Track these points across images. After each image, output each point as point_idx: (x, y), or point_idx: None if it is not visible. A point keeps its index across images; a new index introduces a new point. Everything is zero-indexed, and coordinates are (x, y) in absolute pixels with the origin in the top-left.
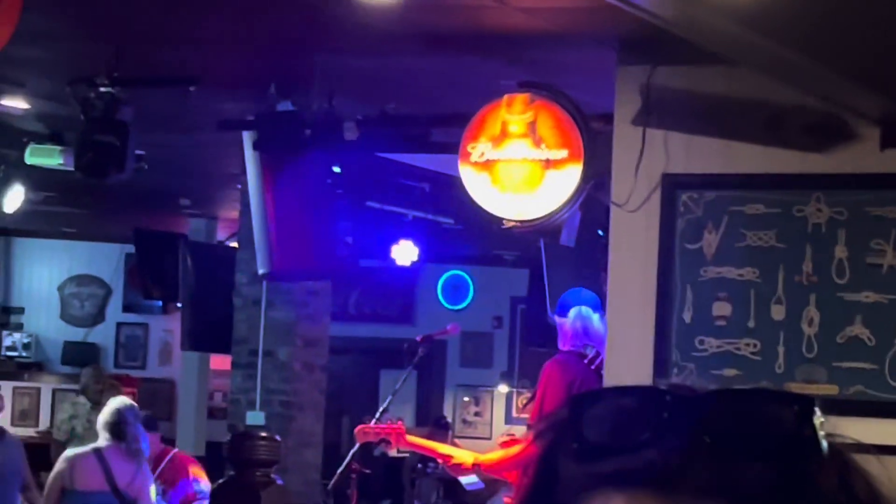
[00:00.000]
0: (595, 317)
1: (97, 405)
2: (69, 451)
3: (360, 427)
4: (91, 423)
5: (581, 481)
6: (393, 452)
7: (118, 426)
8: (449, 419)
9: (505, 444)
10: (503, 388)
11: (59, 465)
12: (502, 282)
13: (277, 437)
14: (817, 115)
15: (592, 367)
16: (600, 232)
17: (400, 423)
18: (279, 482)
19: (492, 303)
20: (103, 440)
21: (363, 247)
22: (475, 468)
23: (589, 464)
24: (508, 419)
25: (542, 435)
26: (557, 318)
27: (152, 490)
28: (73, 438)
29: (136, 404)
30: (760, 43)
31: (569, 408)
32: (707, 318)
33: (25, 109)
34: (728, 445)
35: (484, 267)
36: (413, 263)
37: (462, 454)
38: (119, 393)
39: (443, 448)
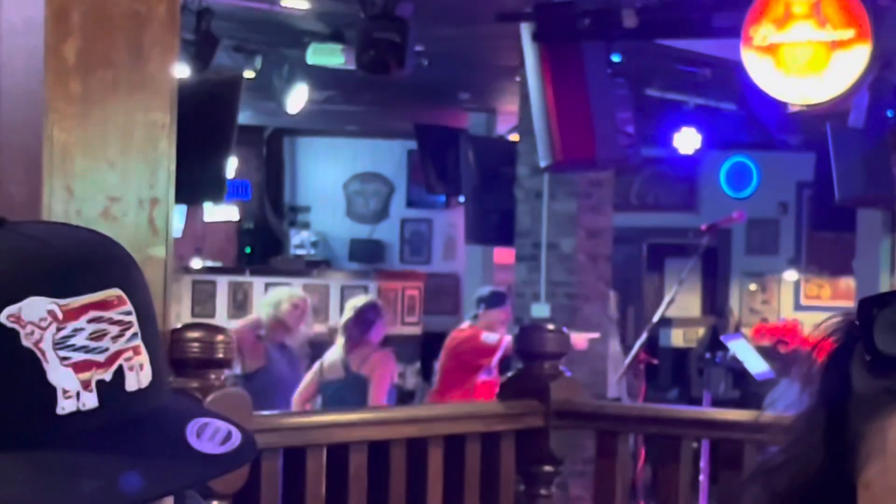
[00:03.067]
0: None
1: None
2: None
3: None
4: None
5: (879, 399)
6: None
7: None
8: (735, 308)
9: None
10: (791, 275)
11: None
12: (787, 167)
13: (565, 329)
14: None
15: None
16: (890, 113)
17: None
18: (568, 374)
19: (777, 188)
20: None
21: (645, 135)
22: None
23: (888, 378)
24: (797, 306)
25: (832, 336)
26: None
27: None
28: None
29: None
30: None
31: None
32: None
33: (306, 9)
34: None
35: (767, 152)
36: (695, 151)
37: None
38: None
39: None
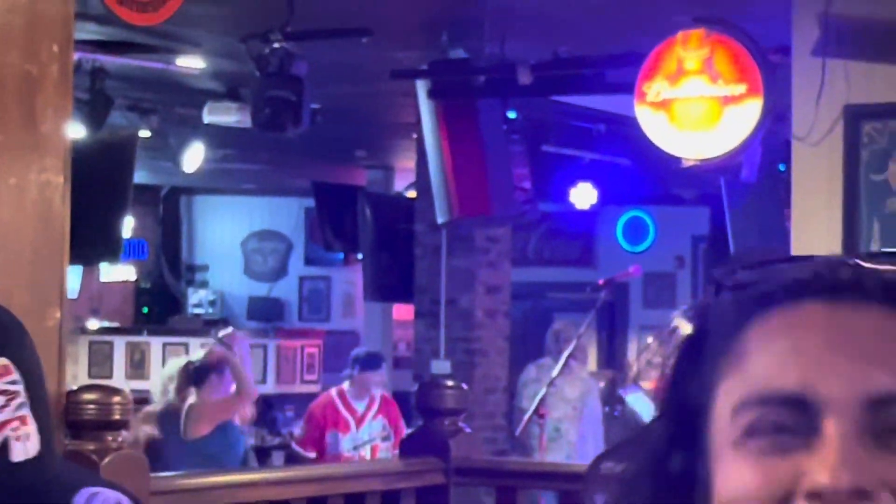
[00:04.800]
0: None
1: None
2: None
3: None
4: None
5: (740, 310)
6: None
7: None
8: (633, 362)
9: None
10: (688, 328)
11: None
12: (683, 220)
13: (464, 385)
14: None
15: None
16: (781, 166)
17: None
18: (467, 430)
19: (673, 242)
20: None
21: (541, 191)
22: None
23: (746, 289)
24: None
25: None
26: None
27: None
28: None
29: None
30: None
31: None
32: None
33: (201, 68)
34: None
35: (663, 206)
36: (592, 206)
37: None
38: None
39: None
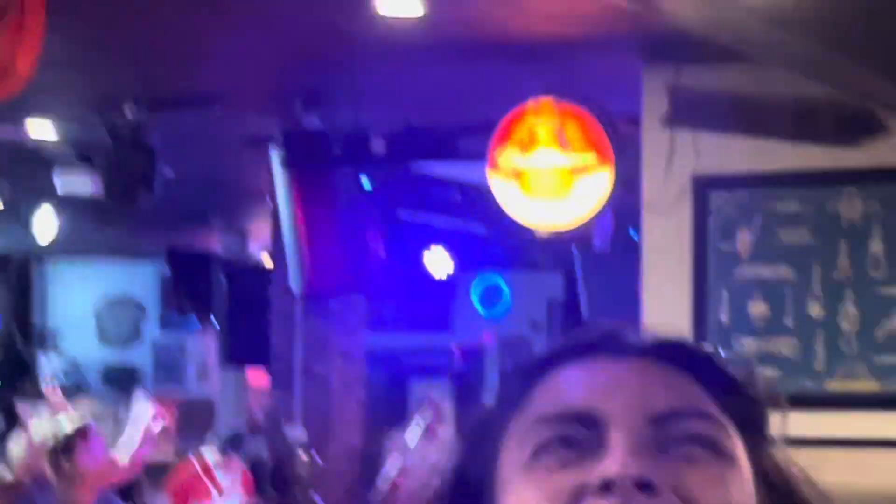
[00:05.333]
0: None
1: None
2: None
3: None
4: None
5: (526, 376)
6: None
7: None
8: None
9: None
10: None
11: None
12: (538, 285)
13: (316, 457)
14: (848, 110)
15: None
16: (633, 233)
17: None
18: (319, 502)
19: (528, 307)
20: None
21: (396, 257)
22: None
23: (535, 361)
24: None
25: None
26: None
27: None
28: None
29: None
30: (791, 42)
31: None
32: (744, 317)
33: (53, 137)
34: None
35: (519, 271)
36: (446, 272)
37: None
38: None
39: None
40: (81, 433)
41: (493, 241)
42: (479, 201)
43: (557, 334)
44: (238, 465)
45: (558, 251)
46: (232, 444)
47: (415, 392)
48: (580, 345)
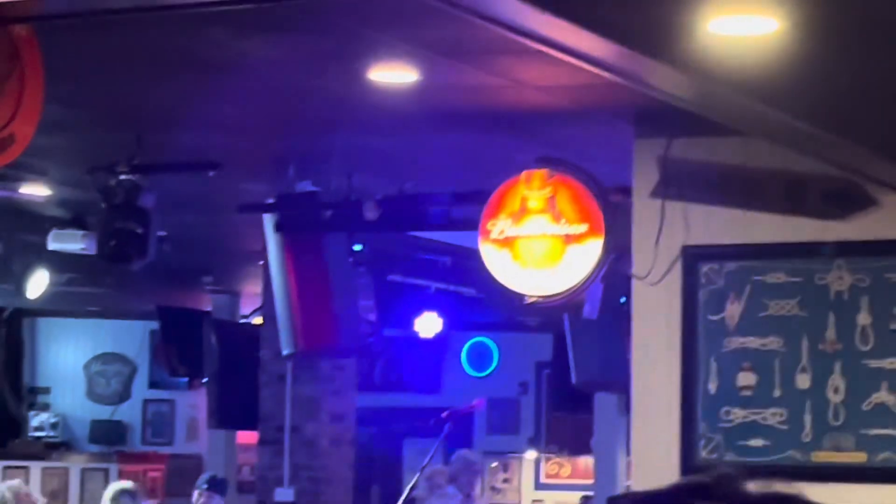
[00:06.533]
0: None
1: None
2: None
3: None
4: None
5: None
6: None
7: None
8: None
9: None
10: (531, 454)
11: None
12: (526, 347)
13: None
14: (837, 183)
15: None
16: (623, 299)
17: None
18: None
19: (517, 368)
20: None
21: (387, 318)
22: None
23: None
24: (538, 485)
25: None
26: None
27: None
28: None
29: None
30: (780, 118)
31: None
32: (732, 388)
33: (47, 196)
34: None
35: (507, 333)
36: (436, 333)
37: None
38: None
39: None
40: None
41: (484, 303)
42: (471, 266)
43: (544, 396)
44: None
45: (548, 312)
46: (214, 486)
47: (407, 453)
48: (692, 488)
